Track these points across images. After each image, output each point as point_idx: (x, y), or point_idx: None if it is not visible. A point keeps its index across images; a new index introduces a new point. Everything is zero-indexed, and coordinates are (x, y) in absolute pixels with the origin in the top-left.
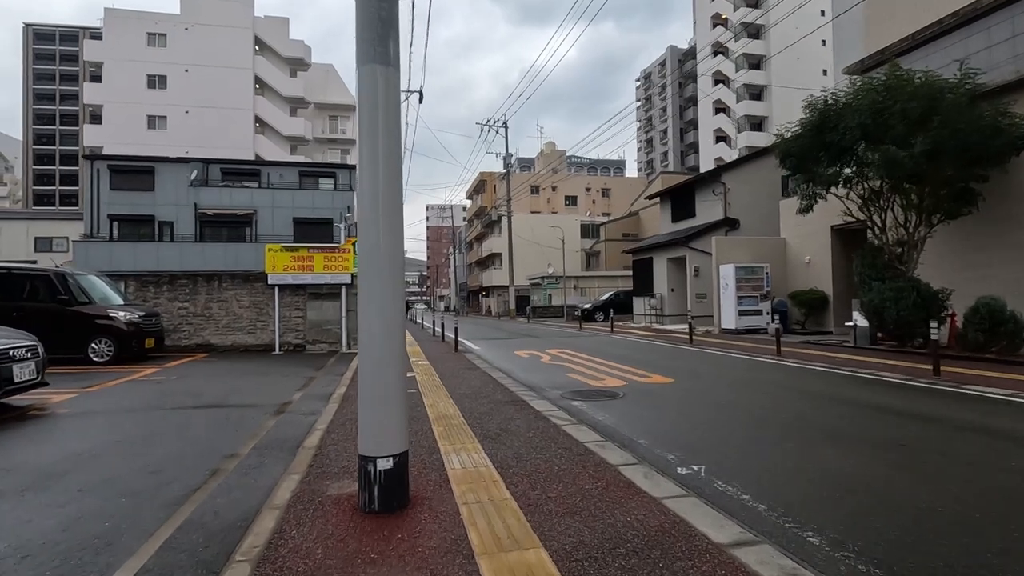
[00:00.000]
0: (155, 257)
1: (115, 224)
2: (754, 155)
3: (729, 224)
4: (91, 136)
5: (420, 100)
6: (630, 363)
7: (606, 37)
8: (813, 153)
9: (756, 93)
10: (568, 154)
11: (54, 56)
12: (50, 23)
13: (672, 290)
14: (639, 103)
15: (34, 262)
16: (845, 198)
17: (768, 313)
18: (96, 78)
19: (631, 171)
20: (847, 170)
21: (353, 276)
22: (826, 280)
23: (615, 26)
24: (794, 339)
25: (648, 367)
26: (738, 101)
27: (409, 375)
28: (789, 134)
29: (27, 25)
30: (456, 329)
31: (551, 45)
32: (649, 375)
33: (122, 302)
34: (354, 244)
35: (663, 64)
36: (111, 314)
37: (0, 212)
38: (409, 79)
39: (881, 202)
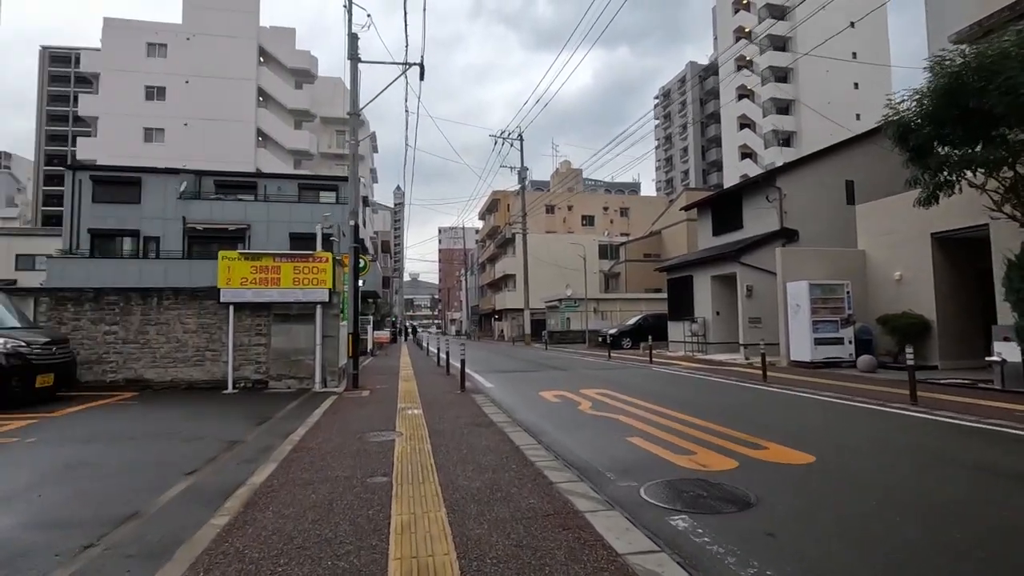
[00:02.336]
0: (137, 275)
1: (96, 239)
2: (813, 156)
3: (786, 236)
4: (84, 149)
5: (421, 76)
6: (714, 417)
7: (621, 62)
8: (942, 128)
9: (784, 107)
10: (583, 177)
11: (69, 78)
12: (67, 45)
13: (717, 313)
14: (658, 121)
15: (14, 281)
16: (982, 188)
17: (850, 342)
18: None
19: (647, 192)
20: (998, 151)
21: (331, 292)
22: (926, 301)
23: (629, 51)
24: (895, 376)
25: (748, 426)
26: (764, 116)
27: (387, 438)
28: (906, 104)
29: (44, 48)
30: (463, 361)
31: (562, 59)
32: (762, 443)
33: (18, 325)
34: (333, 256)
35: (683, 81)
36: None
37: None
38: (407, 46)
39: None
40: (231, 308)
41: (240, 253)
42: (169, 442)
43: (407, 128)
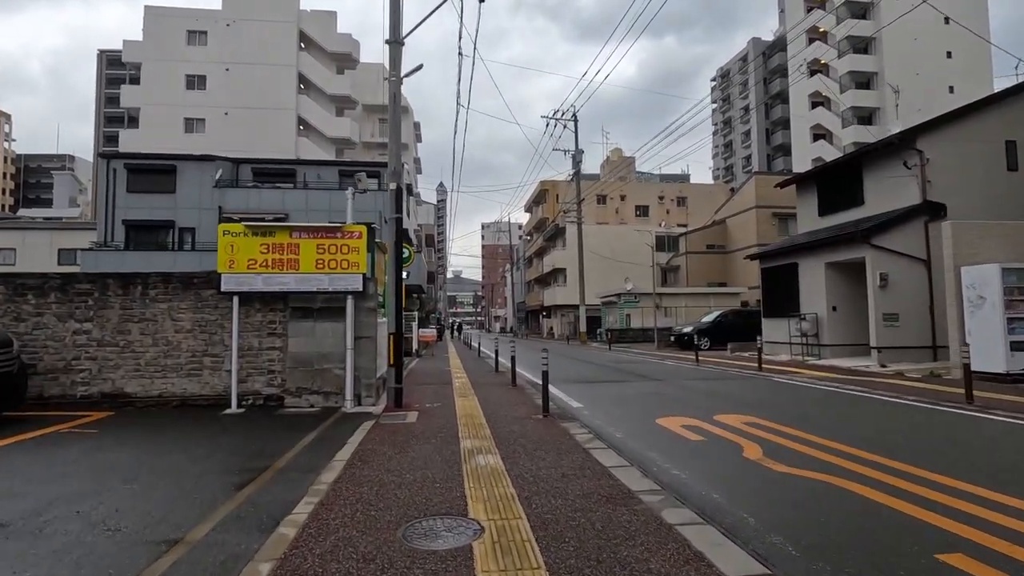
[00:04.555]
0: (172, 267)
1: (130, 231)
2: (960, 112)
3: (931, 211)
4: (127, 142)
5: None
6: None
7: (668, 51)
8: None
9: (864, 81)
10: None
11: (124, 80)
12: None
13: (834, 309)
14: (715, 105)
15: None
16: None
17: None
18: None
19: (698, 181)
20: None
21: (366, 279)
22: None
23: (676, 40)
24: None
25: None
26: (842, 91)
27: (453, 543)
28: None
29: (101, 52)
30: (545, 373)
31: (607, 51)
32: None
33: None
34: (370, 230)
35: (744, 59)
36: None
37: (24, 222)
38: None
39: None
40: (235, 300)
41: (247, 226)
42: (50, 546)
43: (459, 80)
